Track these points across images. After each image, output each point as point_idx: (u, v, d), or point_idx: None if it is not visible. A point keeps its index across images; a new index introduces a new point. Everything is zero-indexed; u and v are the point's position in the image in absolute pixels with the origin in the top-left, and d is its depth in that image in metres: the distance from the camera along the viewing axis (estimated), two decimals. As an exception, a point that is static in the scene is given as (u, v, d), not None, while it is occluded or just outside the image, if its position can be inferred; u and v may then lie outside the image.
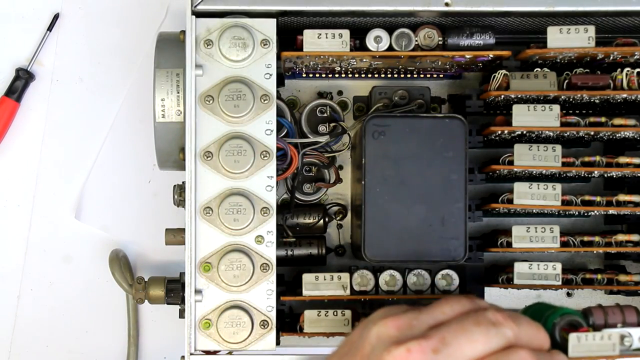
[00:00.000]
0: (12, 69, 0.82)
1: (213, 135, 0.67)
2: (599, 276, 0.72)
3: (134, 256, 0.82)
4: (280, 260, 0.70)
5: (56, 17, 0.82)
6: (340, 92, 0.77)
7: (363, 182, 0.68)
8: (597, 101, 0.71)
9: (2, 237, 0.82)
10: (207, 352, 0.68)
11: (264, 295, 0.68)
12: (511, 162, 0.69)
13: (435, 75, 0.76)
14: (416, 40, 0.69)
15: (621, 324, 0.63)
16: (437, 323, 0.57)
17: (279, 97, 0.72)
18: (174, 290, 0.74)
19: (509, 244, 0.71)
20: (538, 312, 0.63)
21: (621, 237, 0.71)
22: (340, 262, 0.77)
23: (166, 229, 0.74)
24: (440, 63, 0.72)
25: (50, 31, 0.82)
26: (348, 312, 0.70)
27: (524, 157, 0.69)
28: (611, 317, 0.65)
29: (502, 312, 0.58)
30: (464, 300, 0.59)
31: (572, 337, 0.60)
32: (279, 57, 0.69)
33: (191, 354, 0.67)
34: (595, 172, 0.70)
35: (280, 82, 0.74)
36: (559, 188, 0.69)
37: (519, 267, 0.70)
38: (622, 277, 0.72)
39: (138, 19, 0.82)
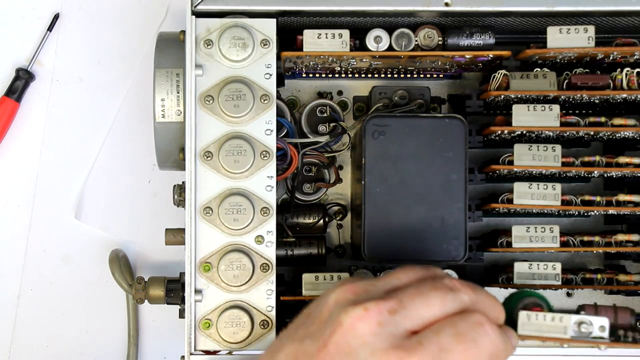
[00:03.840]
0: (12, 69, 0.82)
1: (213, 135, 0.67)
2: (599, 276, 0.72)
3: (134, 256, 0.82)
4: (280, 260, 0.70)
5: (56, 17, 0.82)
6: (340, 92, 0.77)
7: (363, 182, 0.68)
8: (597, 101, 0.72)
9: (2, 237, 0.82)
10: (207, 352, 0.68)
11: (264, 295, 0.68)
12: (511, 162, 0.69)
13: (435, 75, 0.76)
14: (416, 40, 0.69)
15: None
16: (393, 288, 0.58)
17: (279, 97, 0.72)
18: (174, 290, 0.74)
19: (509, 244, 0.71)
20: (509, 297, 0.64)
21: (621, 237, 0.71)
22: (340, 262, 0.77)
23: (166, 229, 0.74)
24: (440, 63, 0.72)
25: (50, 31, 0.82)
26: (348, 312, 0.69)
27: (524, 157, 0.69)
28: (602, 315, 0.65)
29: (459, 280, 0.58)
30: (418, 268, 0.60)
31: (522, 315, 0.61)
32: (279, 57, 0.70)
33: (191, 354, 0.67)
34: (595, 172, 0.70)
35: (280, 82, 0.74)
36: (558, 188, 0.69)
37: (519, 267, 0.70)
38: (622, 277, 0.72)
39: (138, 19, 0.82)
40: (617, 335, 0.65)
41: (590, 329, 0.62)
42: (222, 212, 0.67)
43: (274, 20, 0.68)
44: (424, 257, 0.67)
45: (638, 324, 0.70)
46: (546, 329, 0.62)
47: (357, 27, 0.70)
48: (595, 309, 0.68)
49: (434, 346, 0.53)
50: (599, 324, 0.62)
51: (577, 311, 0.68)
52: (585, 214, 0.76)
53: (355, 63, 0.72)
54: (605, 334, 0.62)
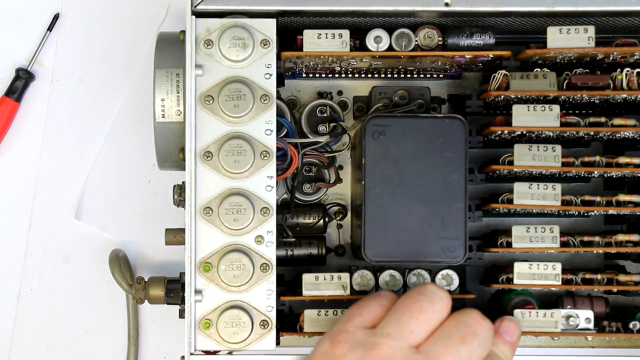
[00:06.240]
0: (12, 69, 0.82)
1: (213, 135, 0.67)
2: (599, 276, 0.72)
3: (134, 256, 0.82)
4: (280, 260, 0.70)
5: (56, 17, 0.82)
6: (340, 92, 0.77)
7: (363, 182, 0.68)
8: (597, 101, 0.72)
9: (2, 237, 0.82)
10: (207, 352, 0.68)
11: (264, 295, 0.68)
12: (511, 162, 0.69)
13: (435, 75, 0.76)
14: (416, 40, 0.69)
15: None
16: (418, 343, 0.59)
17: (279, 97, 0.72)
18: (174, 290, 0.74)
19: (509, 244, 0.70)
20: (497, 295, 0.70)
21: (621, 237, 0.71)
22: (340, 262, 0.77)
23: (166, 229, 0.74)
24: (440, 63, 0.72)
25: (50, 31, 0.82)
26: (348, 312, 0.69)
27: (524, 157, 0.69)
28: (580, 305, 0.71)
29: (468, 313, 0.61)
30: (424, 305, 0.61)
31: (517, 313, 0.69)
32: (279, 57, 0.70)
33: (191, 354, 0.67)
34: (595, 172, 0.70)
35: (280, 82, 0.74)
36: (559, 188, 0.69)
37: (519, 267, 0.70)
38: (622, 277, 0.72)
39: (138, 19, 0.82)
40: (602, 326, 0.70)
41: (577, 322, 0.69)
42: (222, 212, 0.67)
43: (274, 20, 0.68)
44: (424, 257, 0.67)
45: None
46: (539, 325, 0.68)
47: (357, 27, 0.70)
48: (573, 299, 0.71)
49: None
50: (585, 317, 0.69)
51: (556, 302, 0.72)
52: (585, 214, 0.76)
53: (355, 63, 0.72)
54: (591, 325, 0.69)
